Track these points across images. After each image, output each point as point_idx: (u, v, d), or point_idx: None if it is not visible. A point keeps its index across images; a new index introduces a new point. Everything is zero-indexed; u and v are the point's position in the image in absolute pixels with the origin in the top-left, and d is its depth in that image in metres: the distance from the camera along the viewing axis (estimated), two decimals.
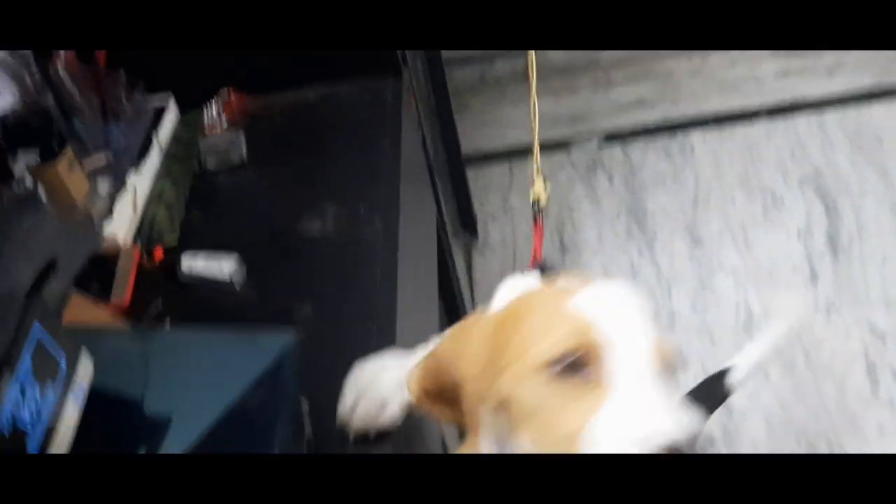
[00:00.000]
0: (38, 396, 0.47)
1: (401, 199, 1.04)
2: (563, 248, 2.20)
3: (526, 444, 0.62)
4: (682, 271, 2.09)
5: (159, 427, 0.67)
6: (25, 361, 0.46)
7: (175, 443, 0.67)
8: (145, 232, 1.06)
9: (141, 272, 1.00)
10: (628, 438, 0.56)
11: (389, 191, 1.05)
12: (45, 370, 0.49)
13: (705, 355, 1.86)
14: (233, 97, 1.25)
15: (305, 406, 0.75)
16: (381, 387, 0.78)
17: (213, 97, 1.25)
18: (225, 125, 1.21)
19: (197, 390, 0.70)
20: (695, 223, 2.21)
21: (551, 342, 0.62)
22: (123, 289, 0.97)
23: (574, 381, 0.60)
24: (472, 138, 2.37)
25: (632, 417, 0.57)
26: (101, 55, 1.15)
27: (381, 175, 1.07)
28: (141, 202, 1.09)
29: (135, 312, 0.95)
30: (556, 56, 2.82)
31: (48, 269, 0.63)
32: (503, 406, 0.63)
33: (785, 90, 2.56)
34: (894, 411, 1.71)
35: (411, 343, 0.81)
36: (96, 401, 0.65)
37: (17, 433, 0.45)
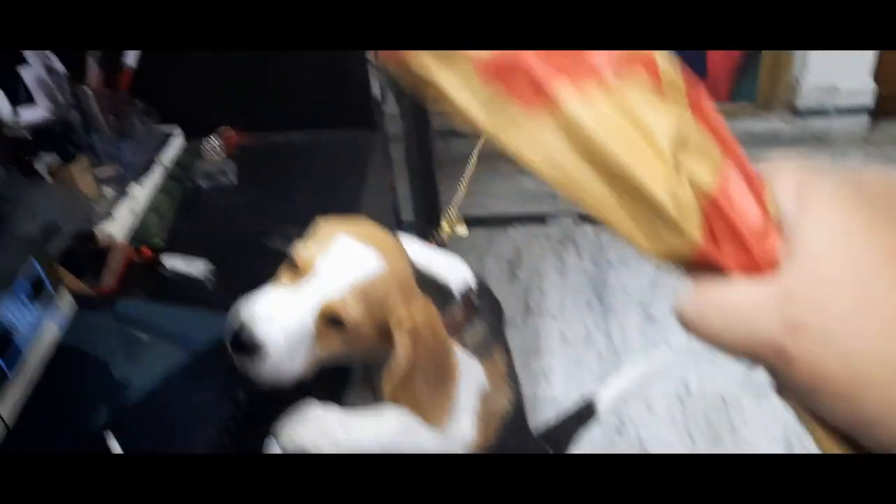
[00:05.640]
0: (29, 311, 0.64)
1: None
2: (528, 309, 2.37)
3: None
4: (632, 344, 2.25)
5: (121, 381, 0.85)
6: (23, 283, 0.64)
7: (131, 395, 0.84)
8: (139, 234, 1.24)
9: (129, 266, 1.18)
10: None
11: None
12: (37, 295, 0.66)
13: (640, 422, 2.01)
14: (232, 133, 1.46)
15: None
16: None
17: (215, 132, 1.46)
18: (222, 154, 1.42)
19: (154, 351, 0.88)
20: (651, 302, 2.38)
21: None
22: (112, 278, 1.16)
23: None
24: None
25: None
26: (124, 84, 1.36)
27: (339, 209, 1.26)
28: (139, 209, 1.28)
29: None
30: None
31: (51, 229, 0.82)
32: None
33: None
34: None
35: None
36: (73, 348, 0.83)
37: (6, 333, 0.62)
